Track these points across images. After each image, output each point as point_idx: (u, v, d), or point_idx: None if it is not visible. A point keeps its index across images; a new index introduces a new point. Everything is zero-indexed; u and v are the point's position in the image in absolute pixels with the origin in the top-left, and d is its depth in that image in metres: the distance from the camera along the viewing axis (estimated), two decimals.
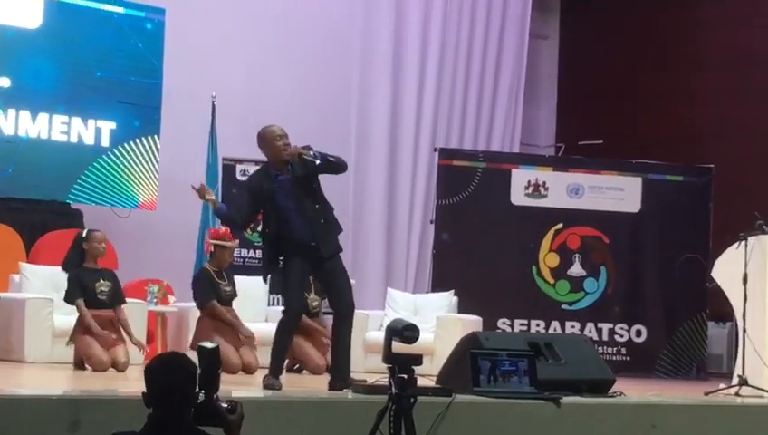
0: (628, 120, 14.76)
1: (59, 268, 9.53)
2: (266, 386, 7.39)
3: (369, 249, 13.86)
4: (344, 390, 7.27)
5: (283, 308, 7.89)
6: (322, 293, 9.55)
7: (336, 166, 7.61)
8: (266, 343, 9.43)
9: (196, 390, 4.31)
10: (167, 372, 4.28)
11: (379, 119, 14.15)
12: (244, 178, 12.49)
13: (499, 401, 6.83)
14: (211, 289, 9.46)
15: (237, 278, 9.89)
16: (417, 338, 6.01)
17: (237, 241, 9.83)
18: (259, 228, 12.36)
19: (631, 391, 8.09)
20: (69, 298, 9.19)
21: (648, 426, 7.26)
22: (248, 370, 9.31)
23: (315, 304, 9.98)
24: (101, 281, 9.20)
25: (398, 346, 5.95)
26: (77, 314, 9.19)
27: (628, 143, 14.24)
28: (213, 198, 7.68)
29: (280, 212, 7.53)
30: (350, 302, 7.62)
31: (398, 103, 14.35)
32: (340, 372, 7.51)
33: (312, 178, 7.59)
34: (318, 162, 7.46)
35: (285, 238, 7.52)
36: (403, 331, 5.95)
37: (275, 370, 7.55)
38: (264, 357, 9.15)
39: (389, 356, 5.68)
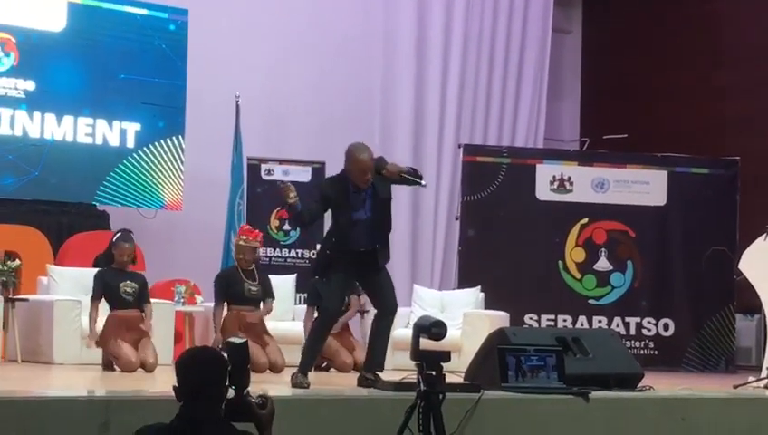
0: (652, 114, 14.72)
1: (86, 270, 9.59)
2: (294, 384, 7.41)
3: (394, 247, 13.59)
4: (373, 386, 7.29)
5: (320, 310, 7.91)
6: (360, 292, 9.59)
7: (421, 178, 7.69)
8: (293, 342, 9.51)
9: (227, 384, 4.33)
10: (198, 366, 4.30)
11: (402, 116, 14.14)
12: (269, 178, 12.56)
13: (527, 396, 6.83)
14: (224, 288, 9.46)
15: None
16: (444, 335, 6.02)
17: (258, 241, 9.80)
18: (285, 227, 12.57)
19: (660, 384, 8.07)
20: (93, 298, 9.24)
21: (678, 419, 7.24)
22: (275, 369, 9.33)
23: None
24: (128, 281, 9.23)
25: (425, 343, 5.96)
26: (105, 316, 9.22)
27: (652, 137, 14.20)
28: (296, 199, 7.62)
29: (350, 224, 7.53)
30: (394, 302, 7.73)
31: (422, 100, 14.34)
32: (375, 362, 7.57)
33: (389, 198, 7.65)
34: (423, 183, 7.64)
35: (346, 247, 7.54)
36: (431, 328, 5.96)
37: (305, 368, 7.57)
38: (290, 356, 9.20)
39: (417, 353, 5.69)
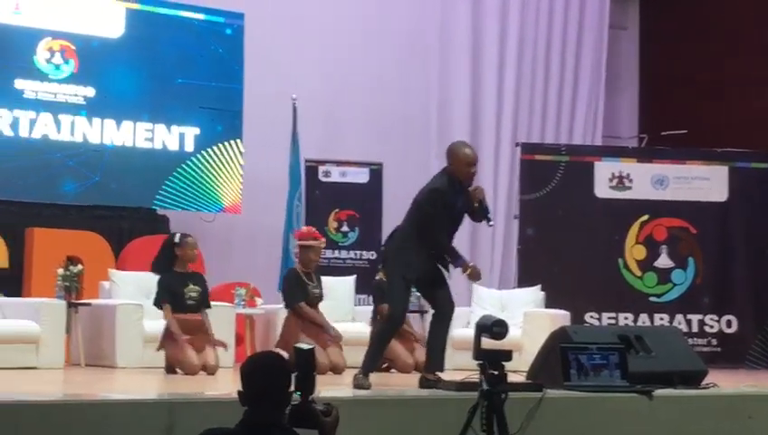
0: (711, 109, 14.57)
1: (147, 274, 9.62)
2: (356, 385, 7.43)
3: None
4: (434, 386, 7.28)
5: (386, 315, 7.91)
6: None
7: (479, 220, 7.80)
8: (353, 343, 9.51)
9: (291, 390, 4.34)
10: (262, 371, 4.31)
11: (459, 116, 14.11)
12: (326, 180, 12.60)
13: (590, 394, 6.79)
14: (299, 289, 9.51)
15: (324, 279, 9.92)
16: (506, 334, 6.00)
17: (322, 241, 9.83)
18: (343, 229, 12.59)
19: (724, 382, 7.99)
20: (156, 302, 9.28)
21: (744, 417, 7.17)
22: (336, 370, 9.35)
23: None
24: (191, 286, 9.27)
25: (486, 342, 5.94)
26: (165, 320, 9.27)
27: (712, 132, 14.05)
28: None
29: (443, 224, 7.54)
30: (451, 301, 7.73)
31: (479, 99, 14.31)
32: (435, 363, 7.55)
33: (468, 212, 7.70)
34: (491, 223, 7.73)
35: (424, 246, 7.54)
36: (492, 327, 5.94)
37: (366, 370, 7.58)
38: (351, 357, 9.21)
39: (480, 353, 5.68)
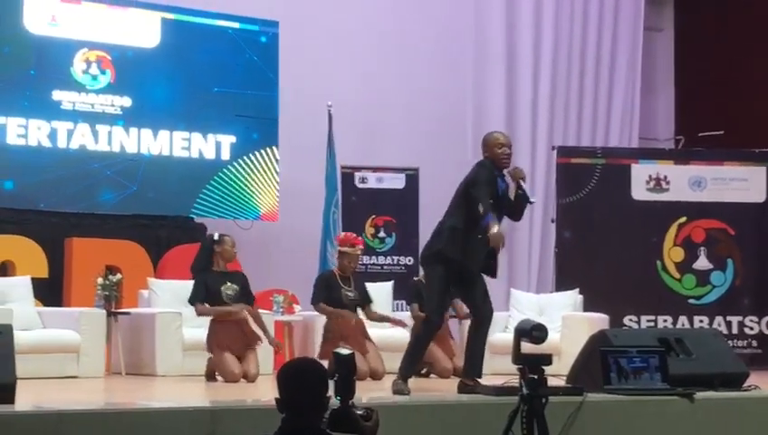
0: (748, 109, 14.48)
1: (186, 282, 9.65)
2: (395, 391, 7.43)
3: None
4: (473, 391, 7.27)
5: (423, 321, 7.89)
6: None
7: (518, 214, 7.77)
8: (391, 349, 9.51)
9: (329, 395, 4.34)
10: (299, 378, 4.31)
11: (495, 120, 14.08)
12: (363, 186, 12.61)
13: (631, 398, 6.76)
14: (324, 290, 9.54)
15: None
16: (545, 338, 5.98)
17: (358, 248, 9.84)
18: (380, 235, 12.60)
19: (766, 384, 7.93)
20: (191, 299, 9.28)
21: None
22: (375, 376, 9.35)
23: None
24: (228, 284, 9.28)
25: (525, 347, 5.93)
26: (204, 328, 9.29)
27: (749, 132, 13.97)
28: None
29: (492, 208, 7.50)
30: (490, 307, 7.68)
31: (514, 103, 14.29)
32: (473, 370, 7.54)
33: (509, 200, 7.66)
34: (532, 201, 7.70)
35: (468, 236, 7.50)
36: (532, 331, 5.93)
37: (405, 375, 7.58)
38: (389, 363, 9.21)
39: (519, 357, 5.66)
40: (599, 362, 6.91)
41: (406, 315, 10.43)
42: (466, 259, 7.49)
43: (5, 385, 5.83)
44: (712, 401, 7.02)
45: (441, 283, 7.60)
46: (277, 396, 4.31)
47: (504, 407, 5.72)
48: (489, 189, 7.46)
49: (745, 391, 7.43)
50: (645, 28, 15.13)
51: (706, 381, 7.25)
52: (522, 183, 7.62)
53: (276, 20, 12.57)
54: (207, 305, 9.19)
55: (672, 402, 6.84)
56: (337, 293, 9.57)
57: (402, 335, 9.73)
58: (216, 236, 9.45)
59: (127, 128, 11.86)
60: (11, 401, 5.80)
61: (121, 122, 11.82)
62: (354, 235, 10.01)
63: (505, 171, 7.65)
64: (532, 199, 7.71)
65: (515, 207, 7.71)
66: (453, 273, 7.55)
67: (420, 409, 6.51)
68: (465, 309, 8.95)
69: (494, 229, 7.24)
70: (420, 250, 8.10)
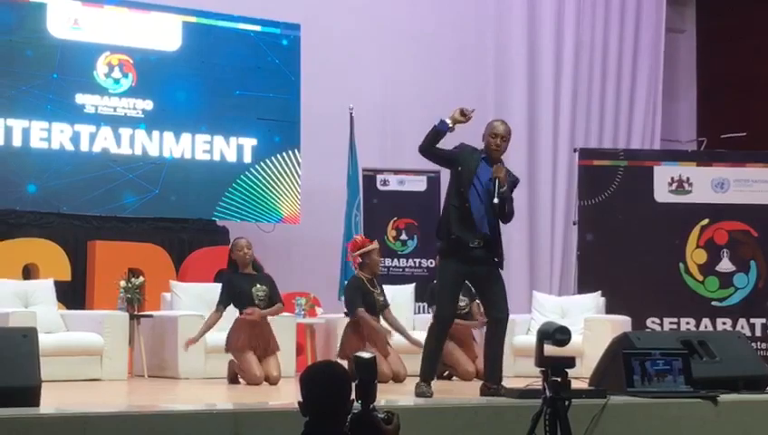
0: None
1: (209, 285, 9.69)
2: (418, 394, 7.43)
3: (512, 253, 13.76)
4: (496, 394, 7.26)
5: (433, 314, 7.89)
6: (472, 296, 9.59)
7: (504, 215, 7.60)
8: (414, 352, 9.50)
9: (352, 399, 4.34)
10: (321, 381, 4.31)
11: (516, 122, 14.03)
12: (384, 188, 12.62)
13: (654, 400, 6.74)
14: (359, 296, 9.53)
15: (385, 288, 9.94)
16: (568, 341, 5.96)
17: (375, 243, 9.86)
18: (402, 237, 12.61)
19: None
20: (218, 303, 9.31)
21: None
22: (397, 378, 9.36)
23: (463, 304, 9.88)
24: (258, 286, 9.29)
25: (548, 349, 5.91)
26: (226, 331, 9.30)
27: None
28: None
29: (466, 195, 7.49)
30: (505, 310, 7.64)
31: (536, 106, 14.28)
32: (492, 375, 7.52)
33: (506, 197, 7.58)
34: (495, 200, 7.46)
35: (456, 227, 7.48)
36: (555, 334, 5.90)
37: (426, 376, 7.57)
38: (412, 365, 9.21)
39: (542, 360, 5.64)
40: (621, 364, 6.88)
41: (427, 317, 10.45)
42: (464, 232, 7.44)
43: (31, 388, 5.85)
44: (735, 404, 6.99)
45: (452, 276, 7.57)
46: (300, 399, 4.31)
47: (527, 410, 5.71)
48: (445, 154, 7.61)
49: None
50: (667, 29, 15.11)
51: (730, 383, 7.22)
52: (497, 181, 7.50)
53: (298, 23, 12.59)
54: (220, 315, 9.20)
55: (695, 405, 6.82)
56: (370, 297, 9.58)
57: (423, 338, 9.71)
58: (230, 245, 9.50)
59: (149, 131, 11.90)
60: (36, 403, 5.83)
61: (143, 126, 11.86)
62: (361, 236, 10.02)
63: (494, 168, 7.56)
64: (494, 199, 7.48)
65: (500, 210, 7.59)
66: (466, 268, 7.51)
67: (442, 411, 6.50)
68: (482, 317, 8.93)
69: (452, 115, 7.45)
70: None
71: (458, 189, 7.55)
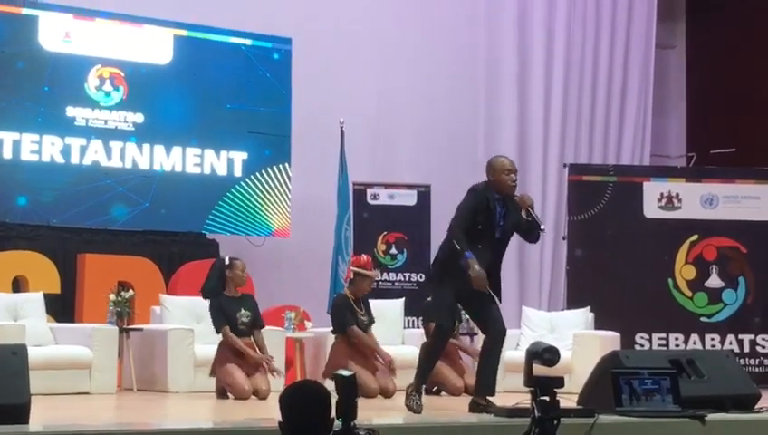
0: (760, 127, 14.49)
1: (198, 299, 9.67)
2: (408, 406, 7.46)
3: (502, 268, 13.79)
4: (486, 409, 7.27)
5: (434, 327, 7.89)
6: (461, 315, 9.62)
7: (534, 236, 7.73)
8: (403, 367, 9.52)
9: (332, 417, 4.35)
10: (301, 401, 4.32)
11: (507, 138, 14.11)
12: (374, 202, 12.62)
13: (643, 420, 6.75)
14: (350, 313, 9.54)
15: (372, 302, 9.94)
16: (557, 361, 5.99)
17: (378, 272, 9.88)
18: (392, 251, 12.61)
19: None
20: (216, 327, 9.30)
21: None
22: (386, 394, 9.36)
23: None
24: (242, 311, 9.32)
25: (537, 368, 5.93)
26: (215, 344, 9.31)
27: (761, 150, 13.97)
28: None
29: (480, 233, 7.52)
30: (502, 327, 7.68)
31: (526, 121, 14.31)
32: (483, 390, 7.54)
33: (514, 230, 7.66)
34: (542, 228, 7.62)
35: (456, 265, 7.51)
36: (543, 353, 5.93)
37: (418, 387, 7.58)
38: (401, 380, 9.21)
39: (531, 379, 5.66)
40: (610, 383, 6.90)
41: (419, 333, 10.46)
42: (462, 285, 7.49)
43: (19, 406, 5.85)
44: (723, 424, 7.00)
45: (449, 296, 7.59)
46: (280, 420, 4.33)
47: (516, 428, 5.73)
48: (470, 218, 7.46)
49: (757, 413, 7.42)
50: (656, 45, 15.15)
51: (718, 403, 7.24)
52: (531, 210, 7.59)
53: (289, 37, 12.60)
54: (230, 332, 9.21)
55: (684, 425, 6.83)
56: (354, 318, 9.58)
57: (413, 353, 9.72)
58: (226, 261, 9.45)
59: (140, 144, 11.89)
60: (25, 421, 5.83)
61: (134, 139, 11.86)
62: (369, 258, 10.00)
63: (518, 199, 7.62)
64: (542, 227, 7.67)
65: (527, 232, 7.70)
66: (462, 291, 7.53)
67: (430, 430, 6.51)
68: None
69: (473, 270, 7.27)
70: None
71: (474, 227, 7.54)
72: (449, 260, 7.53)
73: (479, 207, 7.52)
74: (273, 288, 11.99)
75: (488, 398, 7.50)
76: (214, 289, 9.38)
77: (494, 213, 7.55)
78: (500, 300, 7.73)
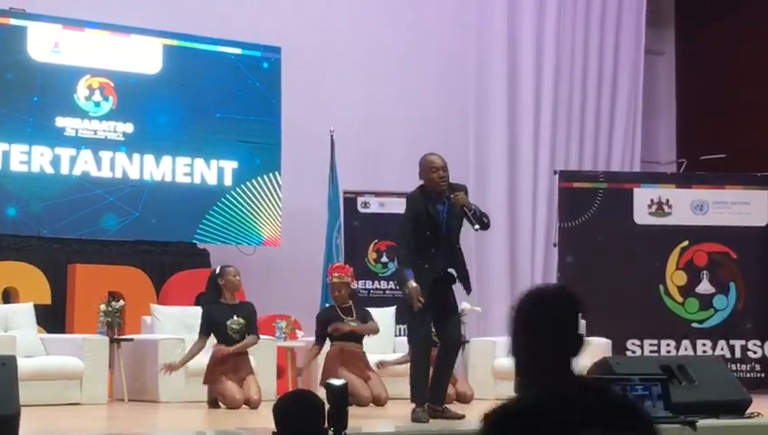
0: (750, 132, 14.52)
1: (189, 308, 9.68)
2: (414, 419, 7.49)
3: (492, 275, 13.83)
4: (444, 415, 7.37)
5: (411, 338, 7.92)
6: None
7: (484, 226, 7.72)
8: (394, 374, 9.52)
9: (325, 426, 4.36)
10: (294, 410, 4.33)
11: (496, 145, 14.13)
12: (365, 211, 12.61)
13: None
14: (323, 330, 9.56)
15: None
16: None
17: (337, 275, 9.89)
18: (383, 260, 12.61)
19: None
20: (200, 332, 9.33)
21: None
22: (378, 402, 9.35)
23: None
24: (234, 318, 9.31)
25: None
26: (208, 354, 9.31)
27: (751, 156, 14.00)
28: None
29: (429, 239, 7.54)
30: (458, 337, 7.82)
31: (516, 128, 14.32)
32: (436, 398, 7.67)
33: (461, 220, 7.70)
34: (476, 227, 7.63)
35: (418, 264, 7.54)
36: None
37: (418, 400, 7.60)
38: (392, 388, 9.21)
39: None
40: None
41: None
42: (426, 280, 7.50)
43: (8, 417, 5.84)
44: (714, 429, 7.02)
45: (416, 314, 7.64)
46: (274, 430, 4.33)
47: None
48: (411, 230, 7.56)
49: (748, 418, 7.43)
50: (646, 52, 15.17)
51: (709, 408, 7.25)
52: (466, 211, 7.57)
53: (278, 46, 12.60)
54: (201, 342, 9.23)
55: (674, 431, 6.83)
56: (324, 335, 9.63)
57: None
58: (217, 270, 9.48)
59: (129, 154, 11.88)
60: (15, 432, 5.82)
61: (124, 148, 11.85)
62: (340, 264, 10.03)
63: (452, 198, 7.60)
64: (476, 227, 7.63)
65: (473, 224, 7.68)
66: (426, 303, 7.53)
67: None
68: None
69: (408, 286, 7.30)
70: None
71: (421, 234, 7.55)
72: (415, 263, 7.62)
73: (417, 215, 7.57)
74: (264, 297, 11.94)
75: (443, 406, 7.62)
76: (209, 298, 9.40)
77: (435, 215, 7.57)
78: (470, 287, 7.80)
